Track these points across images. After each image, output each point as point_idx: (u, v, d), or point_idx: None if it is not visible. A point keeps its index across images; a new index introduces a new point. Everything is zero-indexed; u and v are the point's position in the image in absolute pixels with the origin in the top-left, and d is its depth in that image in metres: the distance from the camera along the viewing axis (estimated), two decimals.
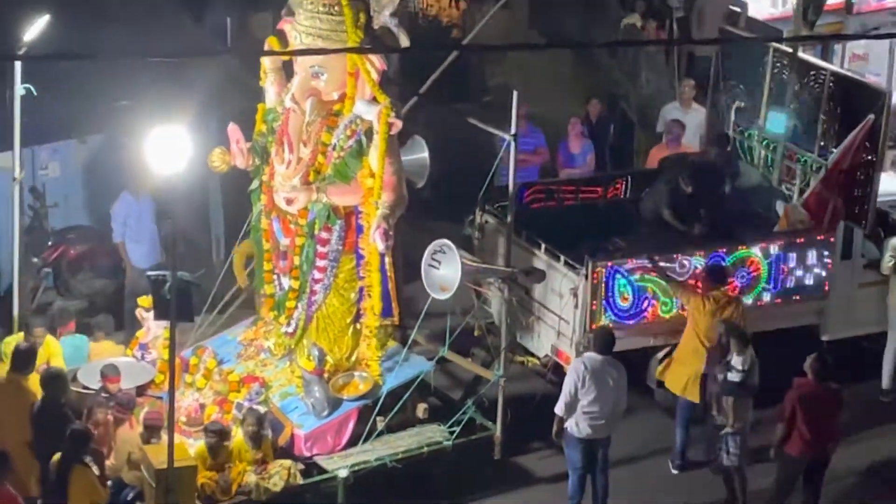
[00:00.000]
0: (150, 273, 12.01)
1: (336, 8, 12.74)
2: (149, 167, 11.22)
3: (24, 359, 12.65)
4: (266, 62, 13.40)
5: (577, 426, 12.61)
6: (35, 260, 15.31)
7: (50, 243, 16.13)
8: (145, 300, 13.88)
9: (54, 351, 13.50)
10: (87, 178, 16.76)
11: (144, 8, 16.40)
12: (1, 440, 11.94)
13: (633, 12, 20.62)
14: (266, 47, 13.37)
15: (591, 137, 17.92)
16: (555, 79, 19.92)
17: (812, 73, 15.94)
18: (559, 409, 12.64)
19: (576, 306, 13.75)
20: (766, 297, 14.62)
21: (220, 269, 14.88)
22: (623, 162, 18.55)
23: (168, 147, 11.13)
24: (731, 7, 20.27)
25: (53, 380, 12.38)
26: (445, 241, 13.03)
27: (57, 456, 11.53)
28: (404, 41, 12.97)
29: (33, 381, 12.67)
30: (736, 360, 12.82)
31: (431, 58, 15.48)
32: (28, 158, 15.60)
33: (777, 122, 15.23)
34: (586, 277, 13.66)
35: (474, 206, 15.14)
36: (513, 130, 13.25)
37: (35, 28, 13.59)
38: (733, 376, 12.82)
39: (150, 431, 12.26)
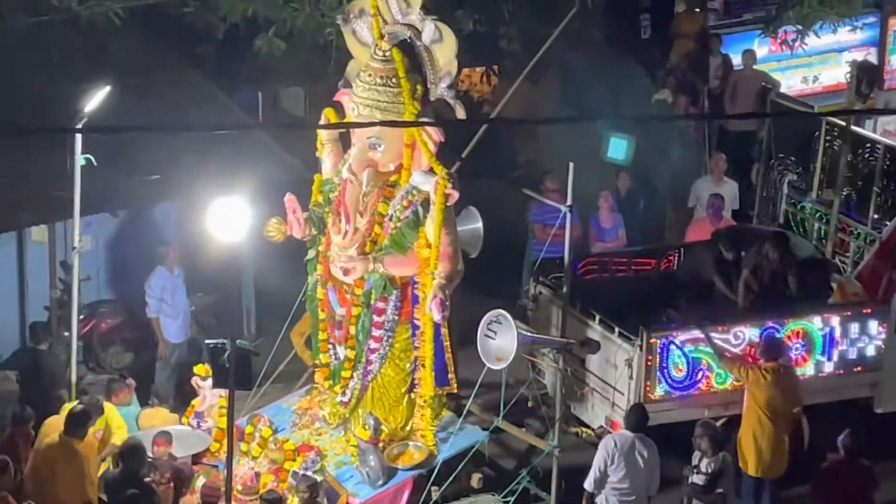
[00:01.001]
0: (209, 341, 12.18)
1: (393, 80, 12.87)
2: (207, 234, 11.39)
3: (77, 422, 12.72)
4: (323, 134, 13.54)
5: (606, 502, 12.63)
6: (66, 334, 15.22)
7: (82, 317, 15.92)
8: (201, 368, 14.00)
9: (112, 416, 13.61)
10: (118, 252, 16.87)
11: (175, 81, 16.62)
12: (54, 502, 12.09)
13: (664, 87, 20.77)
14: (323, 119, 13.50)
15: (620, 211, 17.96)
16: (584, 153, 20.00)
17: (866, 146, 16.00)
18: (588, 484, 12.75)
19: (630, 377, 13.78)
20: (821, 369, 14.57)
21: (251, 340, 14.95)
22: (653, 236, 18.56)
23: (229, 217, 11.33)
24: (764, 83, 20.48)
25: (133, 451, 12.49)
26: (501, 311, 13.10)
27: None
28: (461, 113, 13.10)
29: (87, 445, 12.79)
30: (703, 463, 12.81)
31: (464, 133, 15.61)
32: (61, 232, 15.83)
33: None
34: (641, 348, 13.69)
35: (509, 276, 15.19)
36: (569, 202, 13.35)
37: (95, 99, 13.80)
38: (697, 479, 12.85)
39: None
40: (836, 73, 22.51)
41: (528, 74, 15.60)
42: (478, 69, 19.91)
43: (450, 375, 13.46)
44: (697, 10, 23.05)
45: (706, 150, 19.70)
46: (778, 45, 20.52)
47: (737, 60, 21.64)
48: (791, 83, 22.08)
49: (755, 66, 21.21)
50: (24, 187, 14.78)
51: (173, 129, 15.65)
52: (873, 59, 22.51)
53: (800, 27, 19.54)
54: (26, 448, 13.04)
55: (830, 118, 16.52)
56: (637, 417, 12.81)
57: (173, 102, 15.94)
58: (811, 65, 22.37)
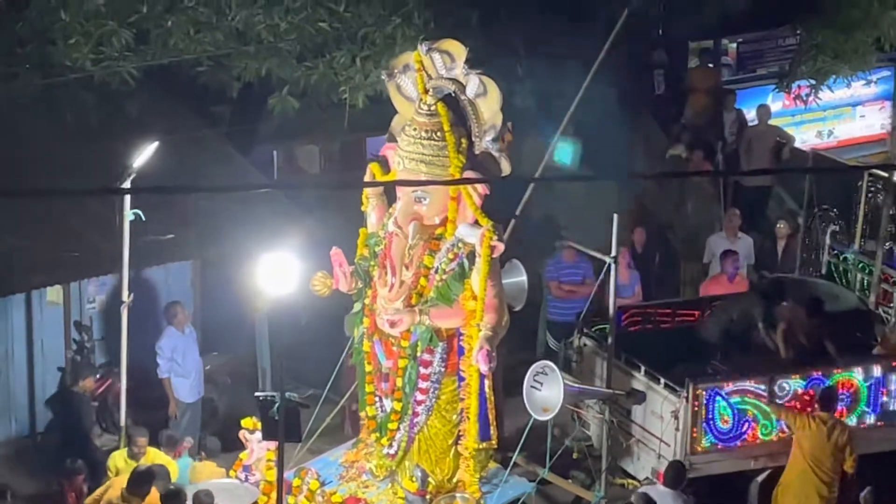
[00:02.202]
0: (258, 394, 12.21)
1: (438, 133, 13.00)
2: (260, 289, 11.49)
3: (140, 481, 12.84)
4: (368, 188, 13.67)
5: None
6: (80, 392, 15.36)
7: (98, 376, 16.11)
8: (249, 422, 14.09)
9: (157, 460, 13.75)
10: (133, 312, 16.74)
11: (190, 140, 16.63)
12: None
13: (679, 143, 20.83)
14: (368, 173, 13.62)
15: (636, 267, 17.88)
16: (599, 208, 20.01)
17: None
18: None
19: (676, 428, 13.78)
20: (867, 420, 14.55)
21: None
22: (669, 292, 18.43)
23: (278, 270, 11.44)
24: (778, 139, 20.56)
25: (174, 497, 12.59)
26: (548, 362, 13.20)
27: None
28: (506, 167, 13.20)
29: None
30: None
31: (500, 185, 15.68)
32: (75, 292, 15.94)
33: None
34: (687, 399, 13.71)
35: (522, 333, 15.24)
36: (613, 253, 13.44)
37: (144, 155, 13.98)
38: None
39: None
40: (850, 128, 22.65)
41: (541, 130, 15.79)
42: None
43: (491, 430, 13.46)
44: (711, 65, 23.27)
45: (721, 205, 19.72)
46: (792, 100, 20.56)
47: (751, 115, 21.74)
48: (805, 137, 22.24)
49: (769, 121, 21.28)
50: (38, 248, 14.84)
51: (190, 190, 15.92)
52: (888, 113, 22.59)
53: (813, 82, 19.56)
54: (79, 502, 13.15)
55: (875, 170, 16.57)
56: (674, 473, 12.88)
57: (189, 162, 16.01)
58: (825, 119, 22.56)
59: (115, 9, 14.74)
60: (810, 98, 19.69)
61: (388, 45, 14.81)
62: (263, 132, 15.02)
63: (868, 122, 22.97)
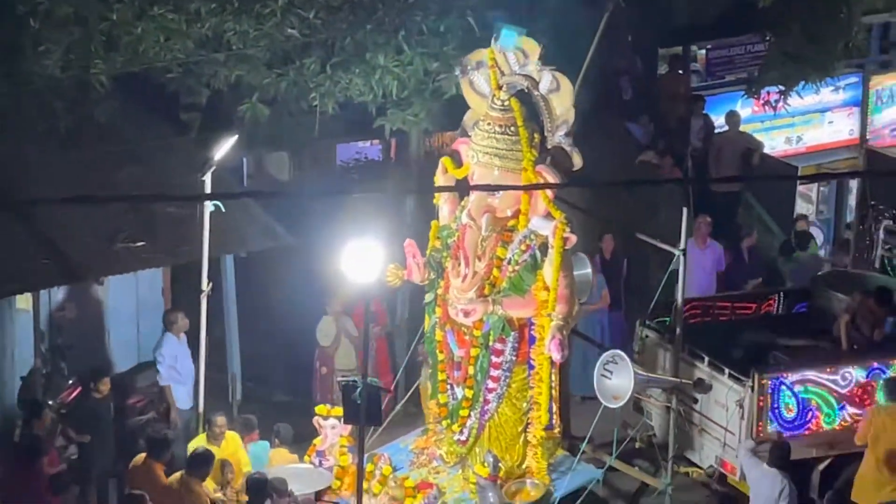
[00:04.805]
0: (340, 379, 12.57)
1: (512, 128, 13.31)
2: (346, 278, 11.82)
3: (200, 463, 13.15)
4: (441, 181, 13.99)
5: None
6: (51, 403, 15.19)
7: (71, 382, 15.90)
8: (323, 408, 14.46)
9: (236, 445, 14.10)
10: (103, 320, 16.93)
11: (160, 147, 16.75)
12: None
13: (649, 149, 20.99)
14: (440, 167, 13.94)
15: (605, 273, 18.01)
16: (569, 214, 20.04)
17: None
18: None
19: (742, 417, 14.07)
20: None
21: (235, 407, 14.98)
22: (639, 298, 18.06)
23: (362, 258, 11.77)
24: (748, 145, 20.73)
25: (258, 486, 12.94)
26: (618, 351, 13.51)
27: None
28: (577, 161, 13.52)
29: (207, 485, 13.24)
30: None
31: None
32: (45, 300, 15.93)
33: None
34: (753, 389, 14.00)
35: None
36: (682, 246, 13.77)
37: (224, 147, 14.32)
38: None
39: None
40: (819, 133, 22.83)
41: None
42: None
43: (554, 420, 13.75)
44: (680, 71, 23.41)
45: (690, 212, 19.71)
46: (761, 106, 20.59)
47: (719, 121, 21.85)
48: (774, 144, 22.36)
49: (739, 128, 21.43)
50: (8, 256, 14.83)
51: (154, 199, 15.83)
52: (856, 119, 22.74)
53: (782, 88, 19.50)
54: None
55: None
56: (781, 454, 13.27)
57: (157, 168, 16.11)
58: (794, 125, 22.63)
59: (84, 16, 14.59)
60: (779, 104, 19.67)
61: (359, 51, 14.83)
62: (220, 141, 14.99)
63: (837, 128, 23.06)
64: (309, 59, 15.04)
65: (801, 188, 21.64)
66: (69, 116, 15.05)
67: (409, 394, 15.44)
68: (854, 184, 21.95)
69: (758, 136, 21.56)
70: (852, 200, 22.04)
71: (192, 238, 15.08)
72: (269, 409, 15.08)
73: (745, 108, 21.77)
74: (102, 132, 15.62)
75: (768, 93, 19.76)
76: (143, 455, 13.51)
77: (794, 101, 19.85)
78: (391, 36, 14.67)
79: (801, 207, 21.48)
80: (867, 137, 22.85)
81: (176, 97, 17.18)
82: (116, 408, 15.34)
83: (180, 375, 15.71)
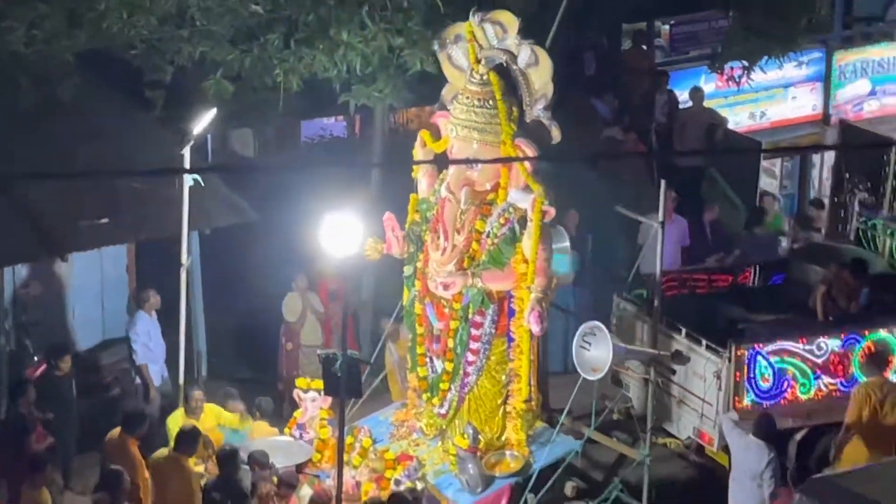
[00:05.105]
0: (320, 352, 12.61)
1: (490, 102, 13.38)
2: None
3: (187, 440, 13.15)
4: (419, 154, 14.04)
5: None
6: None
7: (37, 359, 15.83)
8: (302, 381, 14.54)
9: (215, 418, 14.18)
10: (67, 297, 16.86)
11: (126, 123, 16.68)
12: None
13: (614, 125, 21.03)
14: (419, 140, 14.00)
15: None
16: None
17: None
18: None
19: (719, 388, 14.19)
20: None
21: (203, 384, 15.04)
22: (603, 273, 18.19)
23: (342, 231, 11.82)
24: (712, 121, 20.81)
25: (230, 458, 12.98)
26: (597, 323, 13.60)
27: None
28: (556, 134, 13.58)
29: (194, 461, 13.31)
30: None
31: None
32: (9, 277, 15.91)
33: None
34: (730, 360, 14.11)
35: None
36: (660, 218, 13.86)
37: (203, 121, 14.34)
38: None
39: None
40: (782, 109, 22.90)
41: None
42: (426, 108, 19.49)
43: (532, 392, 13.83)
44: (644, 47, 23.43)
45: (655, 187, 19.71)
46: (724, 81, 20.57)
47: (683, 97, 21.88)
48: (738, 119, 22.42)
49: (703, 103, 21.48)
50: None
51: (121, 175, 15.80)
52: (819, 94, 22.85)
53: (745, 63, 19.52)
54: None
55: None
56: (766, 426, 13.28)
57: (121, 145, 16.04)
58: (757, 100, 22.65)
59: None
60: (742, 79, 19.65)
61: (323, 27, 14.77)
62: (197, 116, 14.92)
63: (800, 104, 23.14)
64: (273, 36, 15.02)
65: (764, 163, 21.69)
66: (33, 93, 15.01)
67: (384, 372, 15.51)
68: (818, 159, 22.12)
69: (721, 112, 21.63)
70: (816, 175, 22.24)
71: (156, 214, 15.14)
72: (235, 385, 15.08)
73: (709, 84, 21.82)
74: (66, 109, 15.55)
75: (732, 68, 19.77)
76: (118, 430, 13.53)
77: (758, 77, 19.86)
78: (355, 12, 14.61)
79: (764, 183, 21.54)
80: (830, 113, 22.95)
81: (140, 74, 17.12)
82: (81, 385, 15.32)
83: (152, 353, 15.75)
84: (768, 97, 22.74)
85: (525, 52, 13.36)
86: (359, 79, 15.36)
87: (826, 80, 23.05)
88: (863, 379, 14.15)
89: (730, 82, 20.09)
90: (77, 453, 14.96)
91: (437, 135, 13.92)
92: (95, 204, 15.22)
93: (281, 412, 15.54)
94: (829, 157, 21.82)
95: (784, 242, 18.97)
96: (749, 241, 18.51)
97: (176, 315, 14.50)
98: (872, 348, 14.55)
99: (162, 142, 16.24)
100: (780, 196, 21.90)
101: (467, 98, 13.47)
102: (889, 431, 13.79)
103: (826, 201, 19.74)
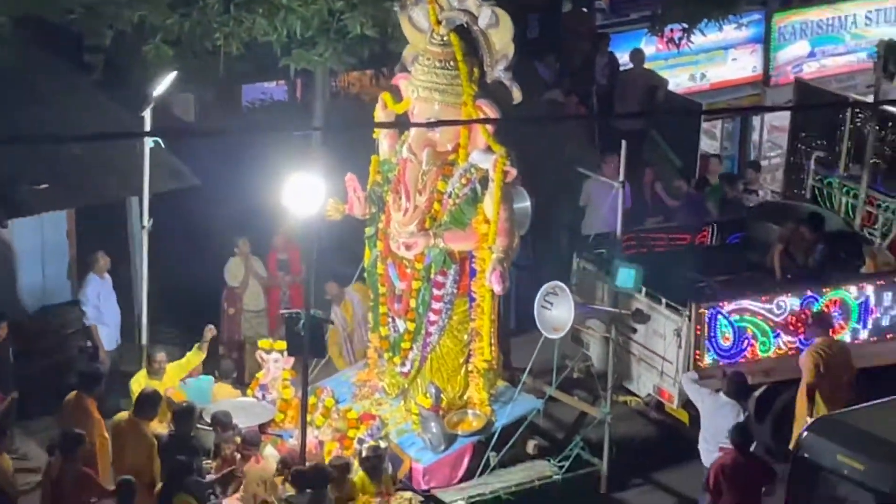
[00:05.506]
0: (283, 311, 12.66)
1: (451, 63, 13.43)
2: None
3: (148, 405, 13.13)
4: (381, 116, 14.05)
5: None
6: None
7: None
8: (265, 342, 14.58)
9: (176, 379, 14.17)
10: (8, 262, 16.61)
11: (66, 87, 16.50)
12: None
13: (555, 88, 20.98)
14: (380, 102, 14.01)
15: None
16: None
17: (892, 123, 16.59)
18: None
19: (679, 346, 14.30)
20: (856, 337, 15.07)
21: (139, 351, 14.96)
22: (543, 235, 17.75)
23: (304, 192, 11.86)
24: (652, 82, 20.86)
25: (186, 415, 13.02)
26: (558, 283, 13.69)
27: (160, 486, 12.19)
28: (517, 95, 13.63)
29: (154, 424, 13.30)
30: None
31: None
32: None
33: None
34: (690, 318, 14.22)
35: None
36: (621, 178, 13.95)
37: (164, 83, 14.28)
38: None
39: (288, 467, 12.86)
40: (722, 71, 22.96)
41: None
42: (367, 72, 19.69)
43: (492, 350, 13.94)
44: (585, 9, 23.29)
45: (596, 149, 19.81)
46: (665, 44, 20.52)
47: (623, 59, 21.84)
48: (679, 81, 22.39)
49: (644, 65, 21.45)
50: None
51: (65, 140, 15.57)
52: (759, 56, 22.95)
53: (685, 25, 19.46)
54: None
55: (858, 99, 17.11)
56: (738, 385, 13.46)
57: (62, 110, 15.87)
58: (698, 62, 22.68)
59: None
60: (683, 41, 19.61)
61: None
62: (137, 81, 14.78)
63: (740, 65, 23.17)
64: None
65: (705, 125, 21.76)
66: None
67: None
68: (758, 121, 22.20)
69: (662, 74, 21.62)
70: (755, 136, 22.35)
71: (97, 179, 15.04)
72: (176, 350, 15.05)
73: (650, 46, 21.76)
74: (5, 74, 15.39)
75: (672, 30, 19.74)
76: (75, 392, 13.49)
77: (698, 39, 19.84)
78: None
79: (705, 144, 21.60)
80: (770, 74, 23.03)
81: (79, 39, 16.95)
82: (19, 351, 15.08)
83: (105, 316, 15.61)
84: (708, 59, 22.75)
85: (486, 13, 13.40)
86: (299, 42, 15.36)
87: (766, 42, 23.07)
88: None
89: (670, 44, 20.07)
90: (15, 420, 14.76)
91: (398, 97, 13.94)
92: (35, 170, 15.03)
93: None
94: (770, 118, 21.98)
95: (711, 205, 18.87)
96: (683, 202, 18.53)
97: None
98: (814, 311, 14.68)
99: (103, 107, 16.19)
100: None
101: (428, 59, 13.51)
102: (842, 387, 13.98)
103: (764, 164, 19.78)
